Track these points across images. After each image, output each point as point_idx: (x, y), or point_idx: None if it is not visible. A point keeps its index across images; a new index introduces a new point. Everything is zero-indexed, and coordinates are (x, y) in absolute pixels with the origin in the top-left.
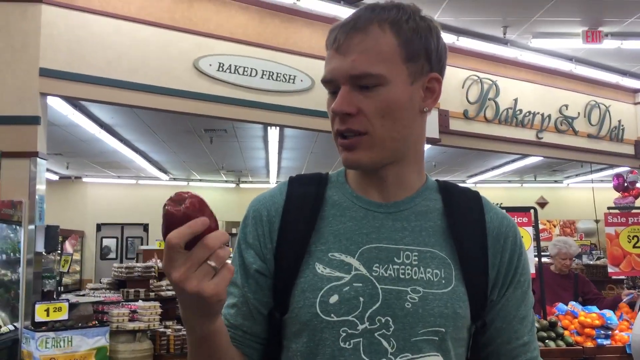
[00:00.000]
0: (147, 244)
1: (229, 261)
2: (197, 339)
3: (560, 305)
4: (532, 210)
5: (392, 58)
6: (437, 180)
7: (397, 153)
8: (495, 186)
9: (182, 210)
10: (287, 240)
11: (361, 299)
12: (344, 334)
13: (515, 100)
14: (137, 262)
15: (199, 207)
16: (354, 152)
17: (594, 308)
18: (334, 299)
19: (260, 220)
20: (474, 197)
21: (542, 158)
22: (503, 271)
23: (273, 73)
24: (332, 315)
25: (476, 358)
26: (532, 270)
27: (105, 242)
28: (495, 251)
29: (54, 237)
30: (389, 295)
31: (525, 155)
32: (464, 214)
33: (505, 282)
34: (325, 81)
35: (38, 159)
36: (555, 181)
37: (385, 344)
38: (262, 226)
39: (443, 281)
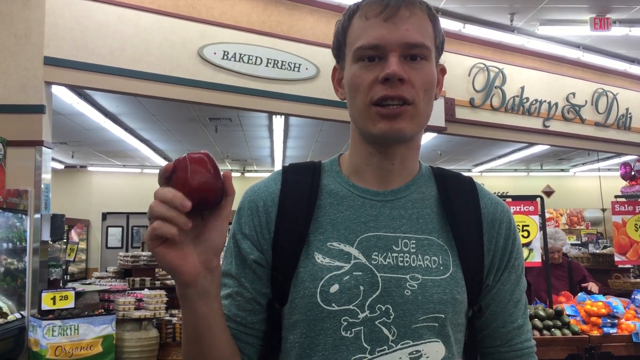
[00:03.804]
0: None
1: (169, 228)
2: (184, 313)
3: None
4: (538, 199)
5: (431, 38)
6: (430, 166)
7: (420, 131)
8: (502, 175)
9: (180, 157)
10: (285, 230)
11: (361, 288)
12: (345, 323)
13: (522, 88)
14: (142, 250)
15: (185, 159)
16: (398, 122)
17: (601, 297)
18: (334, 288)
19: (256, 211)
20: (468, 183)
21: (548, 146)
22: (498, 256)
23: (278, 61)
24: (333, 304)
25: (472, 341)
26: (538, 259)
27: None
28: (491, 237)
29: (60, 226)
30: (388, 283)
31: (531, 144)
32: (459, 200)
33: (501, 266)
34: (371, 47)
35: (43, 148)
36: (562, 170)
37: (386, 331)
38: (258, 217)
39: (441, 268)
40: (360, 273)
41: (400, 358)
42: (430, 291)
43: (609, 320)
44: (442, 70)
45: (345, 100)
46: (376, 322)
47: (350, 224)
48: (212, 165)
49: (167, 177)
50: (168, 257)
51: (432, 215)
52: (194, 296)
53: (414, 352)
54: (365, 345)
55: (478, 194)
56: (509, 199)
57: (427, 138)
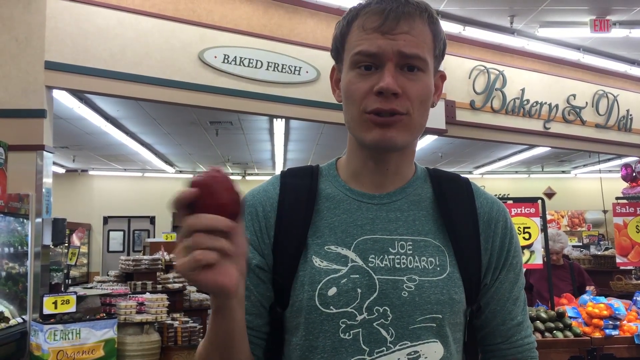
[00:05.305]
0: (154, 237)
1: (212, 254)
2: (218, 323)
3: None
4: (539, 201)
5: (429, 49)
6: (426, 168)
7: (413, 140)
8: (503, 177)
9: (196, 179)
10: (285, 234)
11: (359, 290)
12: (344, 325)
13: (522, 90)
14: (144, 254)
15: (206, 180)
16: (390, 130)
17: (602, 298)
18: (332, 291)
19: (256, 216)
20: (464, 184)
21: (549, 148)
22: (495, 255)
23: (278, 64)
24: (331, 307)
25: (473, 340)
26: (540, 262)
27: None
28: (487, 236)
29: (61, 230)
30: (385, 285)
31: (532, 146)
32: (455, 201)
33: (498, 265)
34: (367, 55)
35: (44, 152)
36: (563, 171)
37: (384, 333)
38: (258, 222)
39: (438, 268)
40: (358, 276)
41: (398, 359)
42: (427, 292)
43: (610, 322)
44: (442, 77)
45: (341, 103)
46: (374, 324)
47: (347, 228)
48: (228, 180)
49: (189, 204)
50: (212, 279)
51: (428, 217)
52: (235, 305)
53: (412, 353)
54: (363, 347)
55: (474, 194)
56: (510, 201)
57: (427, 140)
